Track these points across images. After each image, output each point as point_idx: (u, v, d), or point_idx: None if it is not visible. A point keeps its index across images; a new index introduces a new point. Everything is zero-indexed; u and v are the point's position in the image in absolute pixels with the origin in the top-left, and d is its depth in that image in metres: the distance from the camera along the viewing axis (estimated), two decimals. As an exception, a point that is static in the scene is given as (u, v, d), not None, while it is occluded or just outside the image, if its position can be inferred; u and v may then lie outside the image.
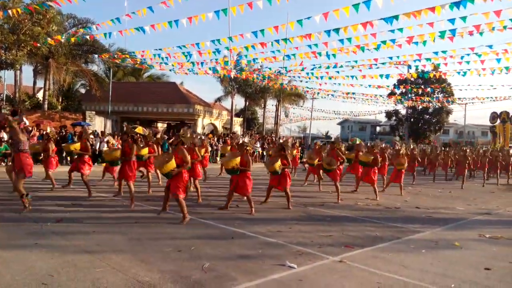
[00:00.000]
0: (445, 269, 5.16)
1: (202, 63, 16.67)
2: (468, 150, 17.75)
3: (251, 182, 8.47)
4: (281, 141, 9.66)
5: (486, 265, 5.40)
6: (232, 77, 27.47)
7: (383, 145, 13.93)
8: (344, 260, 5.30)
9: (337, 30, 10.40)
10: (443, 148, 27.59)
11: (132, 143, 9.12)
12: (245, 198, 8.59)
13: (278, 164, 9.03)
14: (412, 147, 20.19)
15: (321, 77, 17.81)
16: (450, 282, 4.64)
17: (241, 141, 9.80)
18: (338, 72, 16.91)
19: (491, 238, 7.11)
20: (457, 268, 5.24)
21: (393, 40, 11.31)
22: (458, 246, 6.44)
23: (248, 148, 8.90)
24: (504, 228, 8.15)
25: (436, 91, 39.93)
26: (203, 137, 13.29)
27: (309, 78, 18.65)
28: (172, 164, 7.06)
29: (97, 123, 28.33)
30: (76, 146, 9.99)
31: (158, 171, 10.63)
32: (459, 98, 36.62)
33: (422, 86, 35.59)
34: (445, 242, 6.66)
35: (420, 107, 40.41)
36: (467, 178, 17.29)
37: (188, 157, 7.33)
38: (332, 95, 25.84)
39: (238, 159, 8.33)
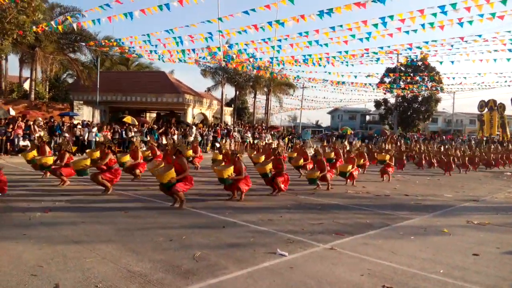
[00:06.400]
0: (434, 255, 5.23)
1: (193, 50, 16.42)
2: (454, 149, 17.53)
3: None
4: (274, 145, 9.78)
5: (474, 250, 5.48)
6: (225, 65, 27.22)
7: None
8: (334, 247, 5.33)
9: (330, 12, 10.25)
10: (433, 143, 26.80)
11: (107, 152, 8.76)
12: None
13: (269, 167, 9.14)
14: (397, 140, 20.18)
15: (313, 64, 17.73)
16: (438, 268, 4.69)
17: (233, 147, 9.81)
18: (329, 58, 16.87)
19: (478, 225, 7.21)
20: (445, 254, 5.30)
21: (384, 24, 11.24)
22: (446, 232, 6.52)
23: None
24: (491, 215, 8.27)
25: (425, 80, 40.09)
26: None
27: (300, 65, 18.59)
28: (172, 173, 7.25)
29: (85, 113, 27.97)
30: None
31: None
32: (448, 85, 36.76)
33: (411, 75, 35.69)
34: (433, 229, 6.74)
35: (409, 95, 40.57)
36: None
37: (187, 166, 7.57)
38: (322, 83, 25.81)
39: (231, 169, 8.35)
